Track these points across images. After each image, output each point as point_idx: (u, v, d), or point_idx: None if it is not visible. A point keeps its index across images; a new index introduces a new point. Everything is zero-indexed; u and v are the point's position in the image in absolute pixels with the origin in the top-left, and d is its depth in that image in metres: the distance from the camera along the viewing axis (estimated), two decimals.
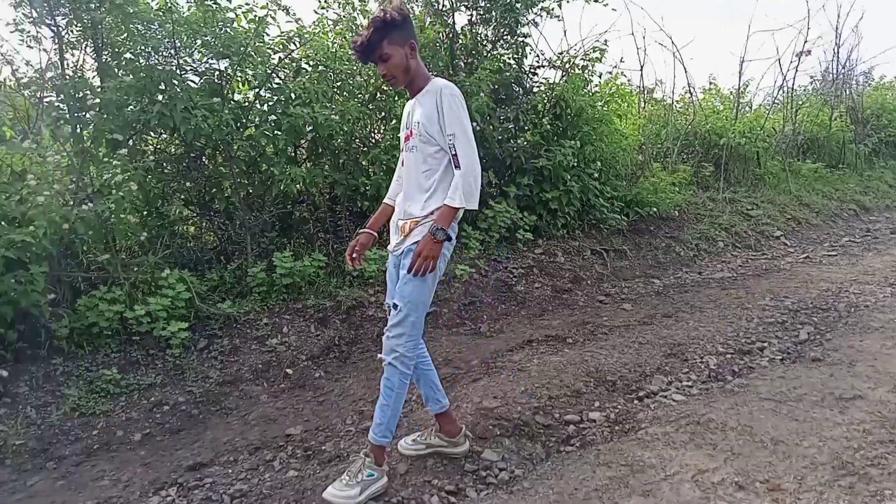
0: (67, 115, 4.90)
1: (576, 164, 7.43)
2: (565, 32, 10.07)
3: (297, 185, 5.59)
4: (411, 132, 2.75)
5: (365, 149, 6.47)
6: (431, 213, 2.70)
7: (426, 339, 3.23)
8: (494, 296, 6.02)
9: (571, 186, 7.32)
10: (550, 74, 8.18)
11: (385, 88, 6.48)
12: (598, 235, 7.76)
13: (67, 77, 5.12)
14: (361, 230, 3.08)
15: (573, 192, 7.34)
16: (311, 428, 3.72)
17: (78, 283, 4.63)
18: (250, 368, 4.50)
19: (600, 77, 8.50)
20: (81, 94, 4.90)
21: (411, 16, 3.11)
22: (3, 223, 4.06)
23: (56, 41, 5.69)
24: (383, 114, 6.64)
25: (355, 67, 6.27)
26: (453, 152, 2.61)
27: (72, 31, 5.66)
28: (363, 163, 6.33)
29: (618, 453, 3.09)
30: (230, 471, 3.25)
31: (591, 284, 6.75)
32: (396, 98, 6.69)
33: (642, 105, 11.50)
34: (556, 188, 7.26)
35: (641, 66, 11.39)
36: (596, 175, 7.75)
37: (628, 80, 10.87)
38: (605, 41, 8.01)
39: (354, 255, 3.05)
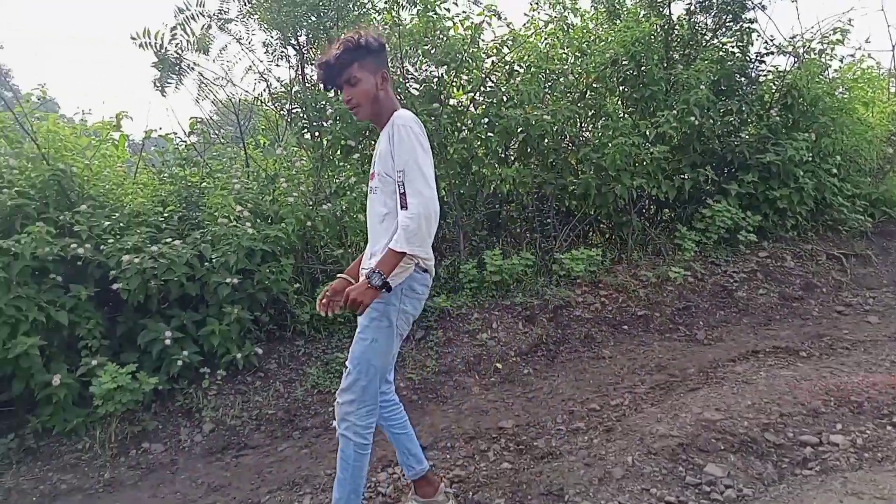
0: (309, 125, 5.51)
1: (810, 159, 6.67)
2: (799, 14, 9.10)
3: (507, 186, 5.72)
4: (373, 172, 2.41)
5: (574, 148, 6.43)
6: None
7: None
8: (712, 301, 5.63)
9: (804, 183, 6.58)
10: (780, 61, 7.46)
11: (595, 86, 6.37)
12: (836, 238, 6.90)
13: (309, 90, 5.77)
14: (339, 275, 2.68)
15: (806, 189, 6.60)
16: (521, 423, 3.78)
17: (317, 274, 5.19)
18: (463, 360, 4.71)
19: (841, 61, 7.56)
20: (321, 105, 5.48)
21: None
22: (260, 221, 4.67)
23: (298, 58, 6.43)
24: (593, 111, 6.54)
25: (566, 67, 6.25)
26: (401, 190, 2.21)
27: (311, 49, 6.37)
28: (572, 162, 6.29)
29: (870, 484, 2.72)
30: (448, 456, 3.42)
31: (827, 293, 6.03)
32: (607, 94, 6.55)
33: (893, 90, 9.99)
34: (786, 185, 6.58)
35: (893, 47, 9.91)
36: (834, 171, 6.89)
37: (876, 63, 9.51)
38: (850, 20, 7.08)
39: (325, 301, 2.64)
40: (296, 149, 5.68)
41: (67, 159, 4.38)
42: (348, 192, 4.98)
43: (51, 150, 4.31)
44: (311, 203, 5.12)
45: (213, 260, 4.26)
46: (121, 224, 4.30)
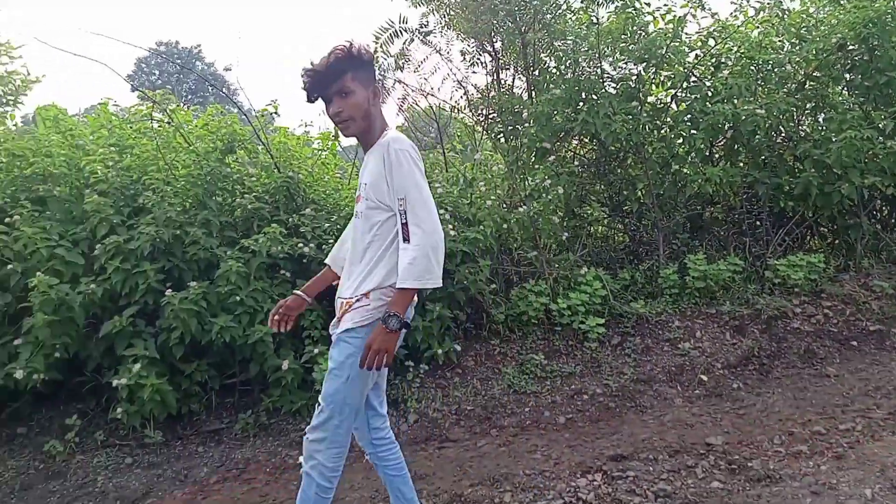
0: (505, 129, 5.63)
1: None
2: None
3: (712, 186, 5.37)
4: (360, 196, 2.24)
5: (791, 144, 5.85)
6: (366, 294, 2.16)
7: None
8: None
9: None
10: None
11: (817, 75, 5.75)
12: None
13: (504, 95, 5.88)
14: (295, 291, 2.57)
15: None
16: (732, 441, 3.52)
17: (511, 275, 5.27)
18: (663, 370, 4.50)
19: None
20: (517, 109, 5.56)
21: None
22: (459, 223, 4.85)
23: (494, 64, 6.58)
24: (813, 103, 5.91)
25: (782, 56, 5.72)
26: (403, 220, 2.05)
27: (506, 54, 6.48)
28: (788, 159, 5.74)
29: None
30: (651, 468, 3.29)
31: None
32: (830, 84, 5.88)
33: None
34: None
35: None
36: None
37: None
38: None
39: (278, 318, 2.51)
40: (491, 153, 5.82)
41: (294, 167, 4.89)
42: (543, 195, 4.99)
43: (281, 160, 4.84)
44: (506, 206, 5.22)
45: None
46: (338, 226, 4.70)
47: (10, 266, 4.04)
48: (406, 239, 2.05)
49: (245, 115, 5.13)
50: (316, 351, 4.17)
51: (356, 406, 2.26)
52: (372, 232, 2.17)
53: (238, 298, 4.12)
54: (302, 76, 2.17)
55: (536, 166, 5.41)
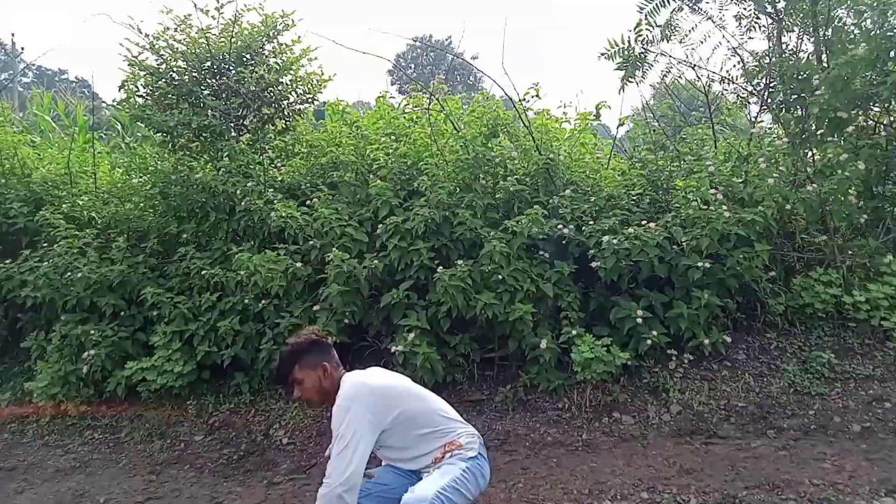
0: (788, 98, 4.98)
1: None
2: None
3: None
4: None
5: None
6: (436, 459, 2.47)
7: None
8: None
9: None
10: None
11: None
12: None
13: (787, 60, 5.20)
14: None
15: None
16: None
17: (793, 262, 4.69)
18: None
19: None
20: (804, 75, 4.89)
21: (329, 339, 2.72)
22: (732, 203, 4.43)
23: (775, 26, 5.86)
24: None
25: None
26: (327, 454, 2.37)
27: (790, 14, 5.72)
28: None
29: None
30: None
31: None
32: None
33: None
34: None
35: None
36: None
37: None
38: None
39: None
40: (771, 126, 5.21)
41: (554, 149, 4.90)
42: (836, 171, 4.33)
43: (542, 142, 4.89)
44: (789, 184, 4.64)
45: (684, 243, 4.23)
46: (597, 207, 4.61)
47: (311, 242, 4.68)
48: (324, 473, 2.33)
49: (509, 98, 5.25)
50: (573, 332, 4.15)
51: None
52: (410, 445, 2.49)
53: (500, 277, 4.27)
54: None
55: (828, 138, 4.71)
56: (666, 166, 5.05)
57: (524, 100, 5.14)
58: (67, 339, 4.71)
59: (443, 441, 2.47)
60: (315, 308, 4.56)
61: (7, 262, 5.05)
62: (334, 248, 4.46)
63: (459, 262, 4.31)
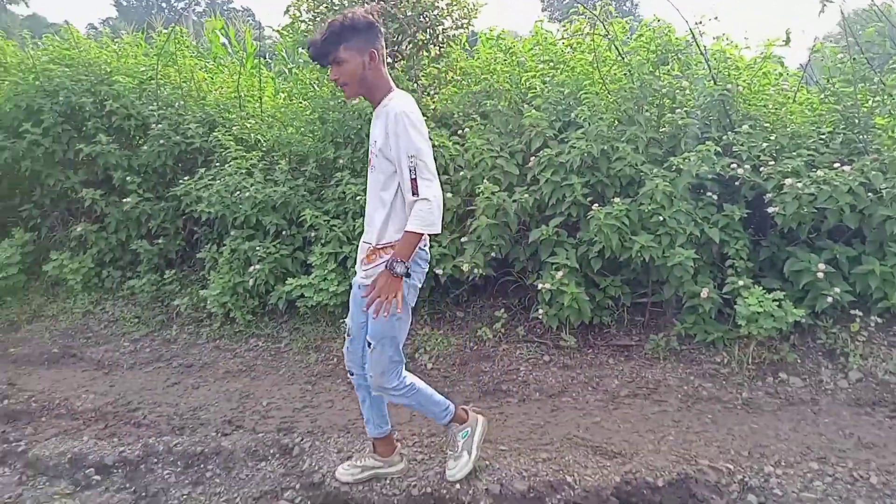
0: None
1: None
2: None
3: None
4: (372, 151, 2.49)
5: None
6: (390, 244, 2.46)
7: None
8: None
9: None
10: None
11: None
12: None
13: None
14: None
15: None
16: None
17: None
18: None
19: None
20: None
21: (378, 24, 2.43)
22: None
23: None
24: None
25: None
26: (412, 176, 2.30)
27: None
28: None
29: None
30: None
31: None
32: None
33: None
34: None
35: None
36: None
37: None
38: None
39: None
40: None
41: (731, 79, 4.41)
42: None
43: (718, 70, 4.41)
44: None
45: (884, 190, 3.67)
46: (779, 146, 4.12)
47: (461, 173, 4.62)
48: (415, 192, 2.31)
49: (685, 20, 4.77)
50: (740, 283, 3.82)
51: (400, 337, 2.57)
52: (385, 185, 2.45)
53: (661, 218, 3.98)
54: (307, 49, 2.59)
55: None
56: (865, 101, 4.38)
57: (700, 23, 4.63)
58: (236, 253, 5.06)
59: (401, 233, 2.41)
60: (462, 239, 4.54)
61: (185, 178, 5.46)
62: (485, 180, 4.37)
63: (616, 199, 4.07)
